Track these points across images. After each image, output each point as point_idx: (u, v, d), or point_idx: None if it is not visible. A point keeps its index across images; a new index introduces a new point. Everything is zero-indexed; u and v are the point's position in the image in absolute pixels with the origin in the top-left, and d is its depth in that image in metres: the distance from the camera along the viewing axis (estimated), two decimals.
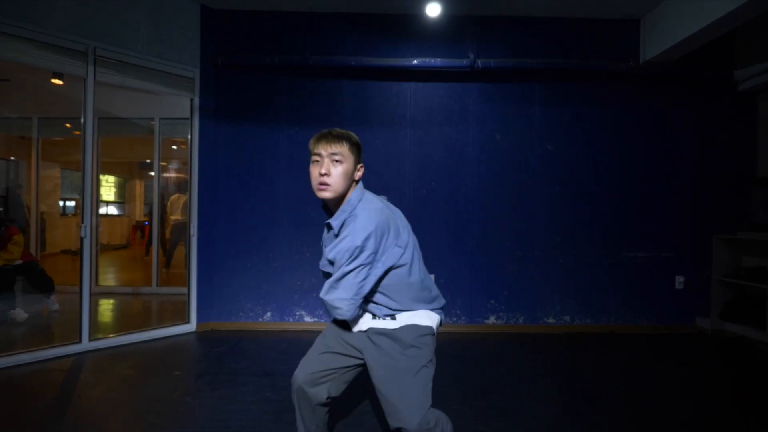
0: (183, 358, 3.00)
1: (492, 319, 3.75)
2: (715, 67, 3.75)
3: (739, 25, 3.10)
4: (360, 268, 1.31)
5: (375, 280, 1.35)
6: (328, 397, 1.47)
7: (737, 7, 2.80)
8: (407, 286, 1.42)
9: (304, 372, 1.47)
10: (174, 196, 6.04)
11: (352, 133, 1.44)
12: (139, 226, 10.02)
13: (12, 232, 3.98)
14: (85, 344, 3.06)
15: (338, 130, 1.41)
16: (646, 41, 3.70)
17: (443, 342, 3.36)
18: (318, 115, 3.73)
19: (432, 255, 3.69)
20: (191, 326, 3.59)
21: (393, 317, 1.42)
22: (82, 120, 3.11)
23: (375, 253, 1.32)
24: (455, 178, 3.76)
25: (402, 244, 1.39)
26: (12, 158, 7.07)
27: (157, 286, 5.29)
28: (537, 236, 3.77)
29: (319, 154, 1.38)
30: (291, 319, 3.70)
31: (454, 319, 3.73)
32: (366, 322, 1.45)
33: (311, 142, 1.41)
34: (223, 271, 3.71)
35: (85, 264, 3.09)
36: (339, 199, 1.41)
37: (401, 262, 1.39)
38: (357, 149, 1.43)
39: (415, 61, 3.59)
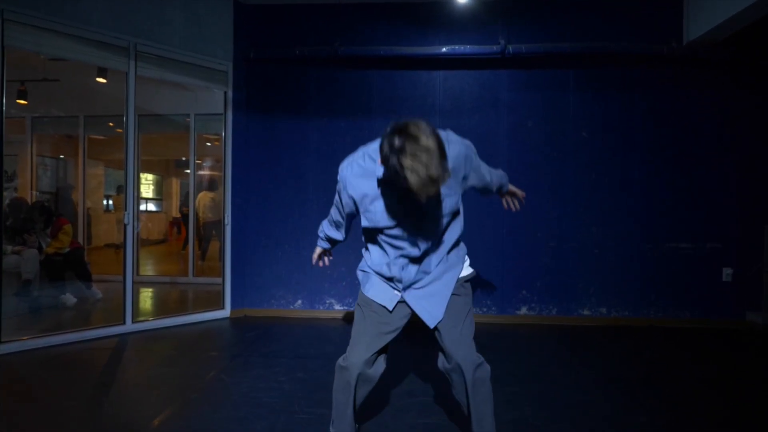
0: (218, 340, 3.11)
1: (524, 311, 3.68)
2: None
3: None
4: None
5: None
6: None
7: None
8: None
9: (361, 358, 1.37)
10: (201, 194, 6.13)
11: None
12: (175, 223, 10.45)
13: (62, 223, 4.24)
14: (129, 326, 3.23)
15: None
16: (689, 21, 3.53)
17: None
18: (347, 105, 3.76)
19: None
20: (226, 312, 3.71)
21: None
22: (124, 112, 3.27)
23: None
24: None
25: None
26: (61, 156, 7.52)
27: (193, 276, 5.50)
28: (571, 226, 3.68)
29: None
30: (321, 307, 3.76)
31: (485, 309, 3.69)
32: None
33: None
34: (256, 260, 3.81)
35: (128, 253, 3.25)
36: None
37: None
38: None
39: (444, 49, 3.57)
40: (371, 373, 1.40)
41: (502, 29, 3.62)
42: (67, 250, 4.20)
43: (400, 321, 1.42)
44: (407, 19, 3.70)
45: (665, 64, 3.61)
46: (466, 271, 1.49)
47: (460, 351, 1.37)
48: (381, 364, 1.44)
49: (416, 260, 1.36)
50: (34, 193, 5.89)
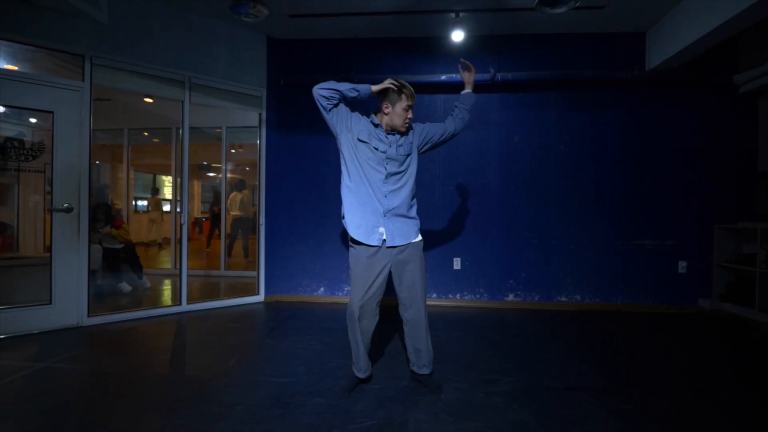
0: (258, 318, 3.82)
1: (511, 297, 4.33)
2: (718, 71, 4.13)
3: (741, 32, 3.48)
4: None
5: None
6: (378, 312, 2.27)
7: (729, 18, 3.21)
8: None
9: (363, 312, 2.20)
10: (232, 194, 6.83)
11: None
12: (197, 222, 11.17)
13: (119, 224, 4.99)
14: (184, 306, 3.97)
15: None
16: (650, 51, 4.16)
17: (467, 314, 4.00)
18: None
19: (458, 241, 4.34)
20: (260, 297, 4.42)
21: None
22: (179, 132, 4.00)
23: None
24: (479, 176, 4.37)
25: None
26: (97, 162, 8.33)
27: (224, 269, 6.23)
28: (552, 226, 4.31)
29: (410, 106, 2.24)
30: (340, 294, 4.45)
31: (477, 296, 4.34)
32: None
33: (406, 94, 2.22)
34: (285, 253, 4.51)
35: (183, 248, 3.98)
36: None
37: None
38: None
39: (443, 77, 4.23)
40: (369, 307, 2.21)
41: (492, 60, 4.28)
42: (123, 245, 4.96)
43: (383, 261, 2.20)
44: (413, 52, 4.38)
45: (630, 88, 4.24)
46: (419, 237, 2.30)
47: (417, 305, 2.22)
48: (376, 312, 2.25)
49: (390, 189, 2.20)
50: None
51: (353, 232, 2.21)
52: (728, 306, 4.03)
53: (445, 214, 4.38)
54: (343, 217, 2.25)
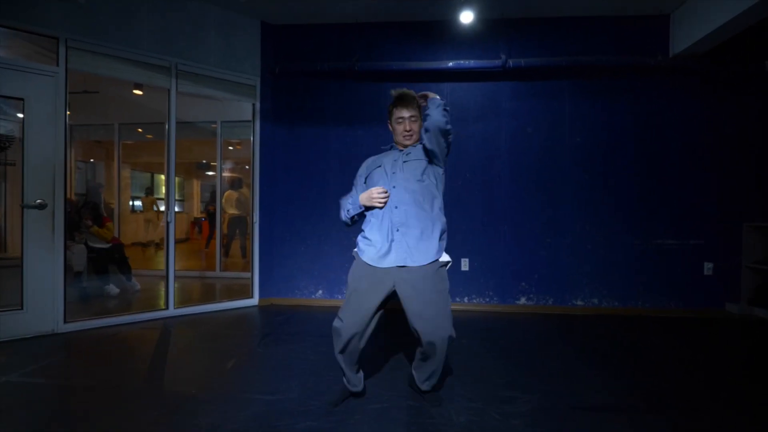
0: (251, 323, 3.53)
1: (523, 300, 4.03)
2: (748, 57, 3.83)
3: None
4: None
5: None
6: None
7: None
8: None
9: (356, 326, 1.96)
10: (227, 192, 6.58)
11: (415, 94, 2.03)
12: (197, 222, 10.93)
13: (105, 221, 4.73)
14: (171, 311, 3.68)
15: (407, 93, 2.01)
16: (675, 35, 3.85)
17: (476, 319, 3.72)
18: (364, 115, 4.15)
19: (466, 240, 4.04)
20: (254, 301, 4.14)
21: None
22: (166, 125, 3.72)
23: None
24: (488, 170, 4.07)
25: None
26: (92, 160, 8.07)
27: (220, 271, 5.95)
28: (567, 223, 4.01)
29: (402, 117, 2.01)
30: (340, 297, 4.16)
31: (487, 299, 4.05)
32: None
33: (392, 106, 2.04)
34: (281, 254, 4.22)
35: (170, 248, 3.70)
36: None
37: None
38: (420, 107, 2.03)
39: (450, 64, 3.94)
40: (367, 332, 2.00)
41: (503, 45, 3.98)
42: (110, 245, 4.69)
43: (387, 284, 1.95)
44: (417, 37, 4.08)
45: (653, 75, 3.93)
46: (444, 257, 2.08)
47: (436, 331, 1.93)
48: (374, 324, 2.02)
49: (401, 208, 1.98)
50: (73, 195, 6.37)
51: (366, 257, 2.00)
52: (758, 311, 3.72)
53: (452, 211, 4.05)
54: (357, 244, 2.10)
